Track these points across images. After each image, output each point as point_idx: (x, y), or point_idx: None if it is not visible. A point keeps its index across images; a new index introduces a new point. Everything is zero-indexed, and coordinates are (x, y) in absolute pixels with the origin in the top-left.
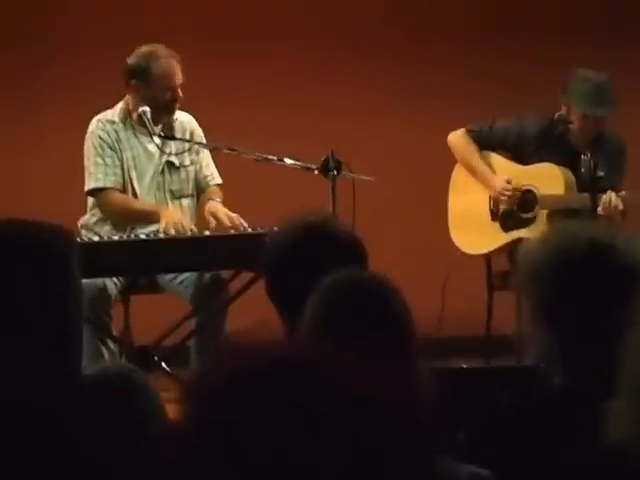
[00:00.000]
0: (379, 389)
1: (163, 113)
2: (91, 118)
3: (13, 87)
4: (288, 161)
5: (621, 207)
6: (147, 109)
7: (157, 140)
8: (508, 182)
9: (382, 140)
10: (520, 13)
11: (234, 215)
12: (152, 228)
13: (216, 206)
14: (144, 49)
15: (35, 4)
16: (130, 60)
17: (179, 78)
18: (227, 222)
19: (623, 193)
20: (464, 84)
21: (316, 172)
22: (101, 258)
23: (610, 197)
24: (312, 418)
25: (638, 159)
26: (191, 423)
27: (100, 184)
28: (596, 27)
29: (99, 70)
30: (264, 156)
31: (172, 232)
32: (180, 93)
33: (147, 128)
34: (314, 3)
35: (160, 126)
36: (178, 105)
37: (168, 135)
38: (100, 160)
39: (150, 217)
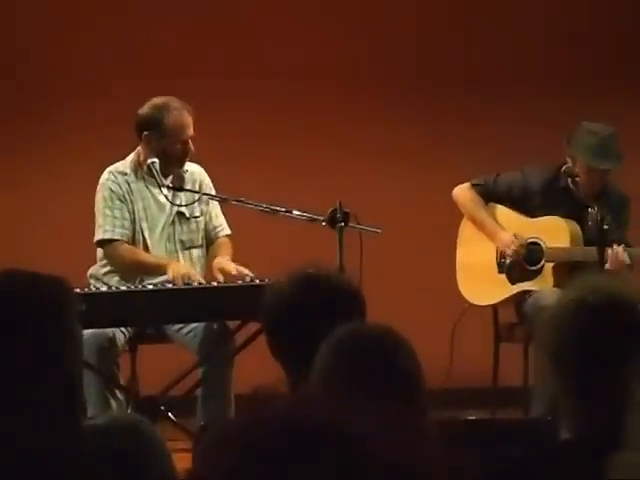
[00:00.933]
0: (393, 445)
1: (173, 165)
2: (102, 165)
3: (22, 131)
4: (295, 212)
5: (628, 261)
6: (156, 160)
7: (165, 191)
8: (515, 236)
9: (390, 191)
10: (525, 65)
11: (242, 269)
12: (161, 279)
13: (222, 262)
14: (157, 100)
15: (39, 44)
16: (142, 111)
17: (191, 131)
18: (234, 272)
19: (630, 249)
20: (473, 135)
21: (323, 224)
22: (109, 308)
23: (617, 251)
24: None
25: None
26: (211, 473)
27: (108, 236)
28: (600, 80)
29: (110, 116)
30: (271, 207)
31: (179, 283)
32: (191, 146)
33: (156, 179)
34: (321, 51)
35: (170, 177)
36: (188, 158)
37: (177, 186)
38: (109, 212)
39: (158, 269)
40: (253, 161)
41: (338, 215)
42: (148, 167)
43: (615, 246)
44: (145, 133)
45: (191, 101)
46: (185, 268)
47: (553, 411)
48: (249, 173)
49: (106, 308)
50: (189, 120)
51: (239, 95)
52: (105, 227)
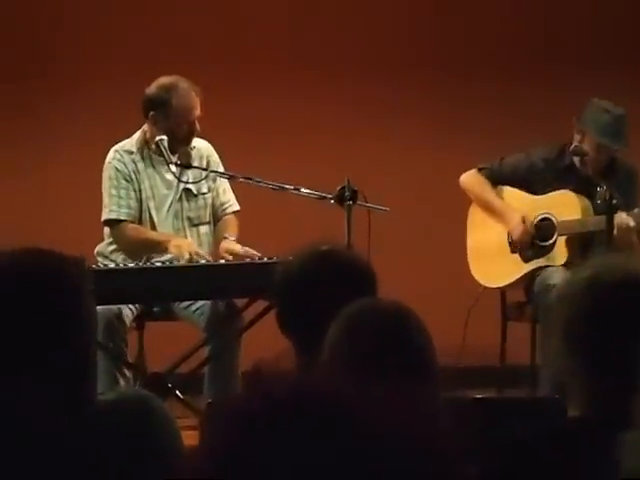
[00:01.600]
0: (404, 420)
1: (179, 144)
2: (108, 144)
3: (29, 114)
4: (304, 190)
5: (632, 224)
6: (164, 138)
7: (174, 169)
8: (523, 220)
9: (399, 170)
10: (536, 46)
11: (251, 250)
12: (169, 256)
13: (229, 244)
14: (164, 80)
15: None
16: (149, 91)
17: (198, 111)
18: (241, 252)
19: (636, 211)
20: (483, 115)
21: (332, 201)
22: (117, 285)
23: (621, 216)
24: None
25: None
26: (216, 449)
27: (113, 216)
28: (608, 69)
29: (117, 98)
30: (280, 185)
31: (183, 259)
32: (197, 126)
33: (164, 157)
34: (332, 33)
35: (177, 155)
36: (194, 137)
37: (185, 163)
38: (115, 192)
39: (160, 246)
40: (262, 139)
41: (347, 193)
42: (156, 144)
43: (620, 212)
44: (152, 113)
45: (201, 81)
46: (187, 244)
47: (561, 390)
48: (258, 151)
49: (114, 285)
50: (196, 101)
51: (250, 77)
52: (111, 207)
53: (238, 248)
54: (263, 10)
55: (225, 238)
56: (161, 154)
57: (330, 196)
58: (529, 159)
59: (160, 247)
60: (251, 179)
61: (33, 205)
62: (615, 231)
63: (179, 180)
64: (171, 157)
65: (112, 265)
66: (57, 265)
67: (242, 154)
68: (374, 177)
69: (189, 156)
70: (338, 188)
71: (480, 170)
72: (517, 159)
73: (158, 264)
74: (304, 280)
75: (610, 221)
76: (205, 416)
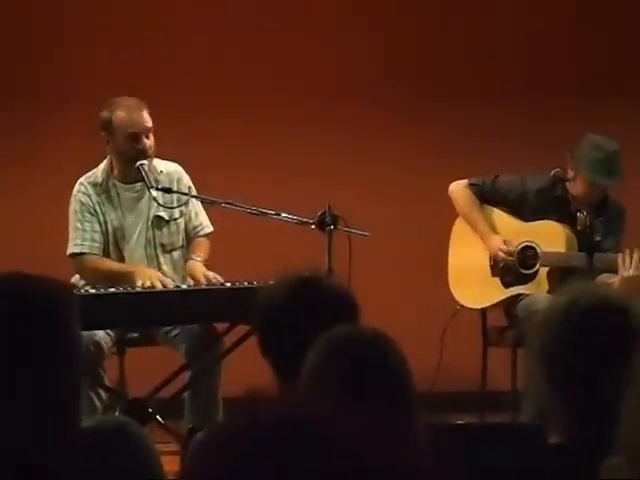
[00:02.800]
0: (380, 447)
1: (130, 163)
2: (85, 171)
3: (12, 137)
4: (285, 215)
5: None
6: (145, 162)
7: (155, 193)
8: (505, 243)
9: (380, 195)
10: (520, 71)
11: (211, 274)
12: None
13: (194, 265)
14: (110, 100)
15: (35, 52)
16: (101, 113)
17: (142, 125)
18: (204, 281)
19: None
20: (464, 139)
21: (313, 226)
22: (95, 311)
23: (636, 256)
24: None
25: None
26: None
27: (77, 250)
28: (591, 95)
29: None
30: (261, 210)
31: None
32: (147, 144)
33: (145, 181)
34: (316, 56)
35: (152, 178)
36: (149, 154)
37: (160, 187)
38: (79, 225)
39: (126, 277)
40: (244, 163)
41: (327, 218)
42: (137, 169)
43: (627, 251)
44: (103, 134)
45: (182, 103)
46: (153, 273)
47: (542, 416)
48: (239, 175)
49: (92, 311)
50: (138, 116)
51: (230, 98)
52: (75, 241)
53: (200, 272)
54: (242, 31)
55: (191, 259)
56: (131, 181)
57: (311, 221)
58: (523, 186)
59: (126, 278)
60: (231, 204)
61: (10, 232)
62: (621, 271)
63: (160, 205)
64: (152, 182)
65: (91, 290)
66: (49, 289)
67: (223, 178)
68: (355, 202)
69: (139, 174)
70: (319, 213)
71: (471, 185)
72: (511, 182)
73: (138, 289)
74: (286, 306)
75: (590, 250)
76: (186, 442)
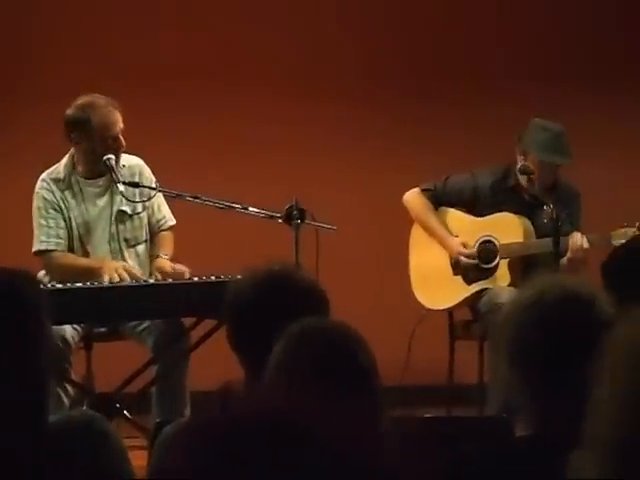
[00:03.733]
0: (347, 440)
1: (100, 159)
2: (46, 168)
3: None
4: (252, 209)
5: (586, 245)
6: (112, 157)
7: (122, 187)
8: (463, 245)
9: (347, 189)
10: (494, 66)
11: (177, 265)
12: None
13: (162, 262)
14: (81, 100)
15: (11, 48)
16: (68, 113)
17: (119, 126)
18: (171, 271)
19: (588, 235)
20: (433, 134)
21: (280, 220)
22: (61, 305)
23: (576, 237)
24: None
25: (589, 209)
26: (171, 475)
27: (43, 247)
28: (552, 84)
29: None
30: (228, 204)
31: (117, 280)
32: (122, 141)
33: (113, 176)
34: (279, 49)
35: (104, 177)
36: (121, 152)
37: (130, 182)
38: (44, 222)
39: (93, 272)
40: (210, 158)
41: (295, 212)
42: (104, 163)
43: (574, 233)
44: (73, 134)
45: (148, 98)
46: (120, 265)
47: (508, 409)
48: (206, 169)
49: (59, 305)
50: (116, 116)
51: (196, 93)
52: (40, 238)
53: (168, 266)
54: (209, 27)
55: (158, 256)
56: (94, 175)
57: (278, 215)
58: (474, 181)
59: (93, 273)
60: (198, 198)
61: None
62: (569, 252)
63: (128, 200)
64: (119, 176)
65: (58, 285)
66: (17, 282)
67: (189, 172)
68: (322, 196)
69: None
70: (286, 207)
71: (423, 191)
72: (462, 180)
73: (105, 283)
74: (255, 300)
75: (557, 242)
76: (153, 437)
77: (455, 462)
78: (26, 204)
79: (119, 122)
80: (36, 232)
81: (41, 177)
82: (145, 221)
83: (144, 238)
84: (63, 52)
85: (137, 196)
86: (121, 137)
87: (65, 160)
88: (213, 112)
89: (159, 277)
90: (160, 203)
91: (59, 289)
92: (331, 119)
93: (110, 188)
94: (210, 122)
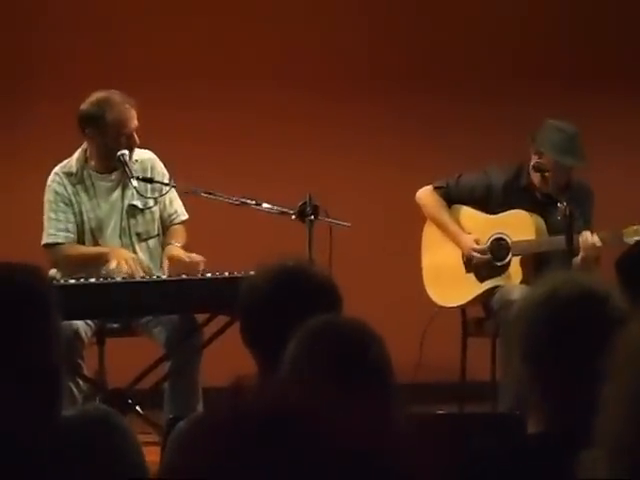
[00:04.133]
0: (362, 435)
1: (114, 155)
2: (55, 164)
3: None
4: (265, 205)
5: (598, 243)
6: (126, 152)
7: (135, 183)
8: (476, 242)
9: (361, 185)
10: (504, 66)
11: (193, 254)
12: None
13: (172, 249)
14: (97, 95)
15: (16, 47)
16: (83, 108)
17: (134, 124)
18: (186, 259)
19: (600, 233)
20: (447, 131)
21: (293, 217)
22: (74, 301)
23: (587, 235)
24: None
25: (600, 207)
26: (186, 470)
27: (52, 240)
28: (563, 77)
29: (61, 116)
30: (242, 200)
31: (123, 271)
32: (136, 138)
33: (126, 171)
34: (292, 46)
35: (117, 172)
36: (134, 149)
37: (143, 178)
38: (54, 215)
39: (100, 259)
40: (224, 154)
41: (308, 208)
42: (118, 159)
43: (584, 232)
44: (87, 129)
45: (163, 94)
46: (128, 255)
47: (521, 406)
48: (220, 166)
49: (72, 301)
50: (131, 113)
51: (212, 89)
52: (49, 231)
53: (181, 254)
54: (224, 22)
55: (170, 244)
56: (106, 170)
57: (291, 211)
58: (487, 179)
59: (101, 259)
60: (212, 194)
61: None
62: (582, 250)
63: (141, 195)
64: (132, 171)
65: (71, 281)
66: (24, 276)
67: (203, 168)
68: (336, 192)
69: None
70: (299, 203)
71: (436, 189)
72: (475, 179)
73: (119, 279)
74: (269, 296)
75: (570, 240)
76: (166, 433)
77: (467, 459)
78: (31, 201)
79: (134, 119)
80: (46, 225)
81: (54, 171)
82: (157, 215)
83: (156, 232)
84: (68, 50)
85: (149, 192)
86: (135, 135)
87: (77, 154)
88: (228, 109)
89: (167, 266)
90: (172, 198)
91: (71, 285)
92: (346, 116)
93: (122, 182)
94: (225, 119)
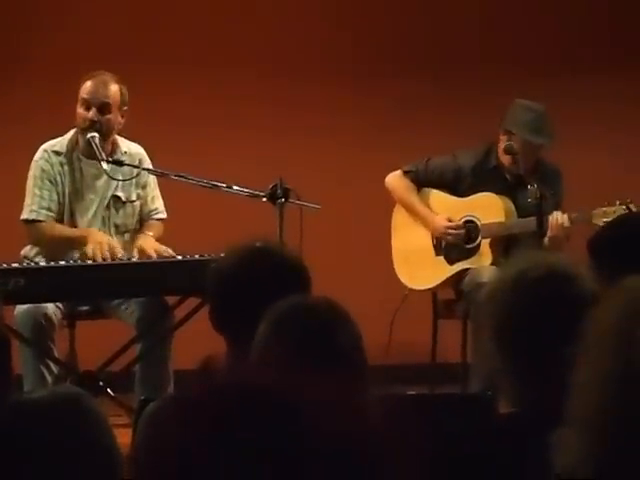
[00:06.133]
0: (332, 416)
1: (84, 135)
2: (35, 144)
3: None
4: (236, 188)
5: (567, 224)
6: (95, 135)
7: (105, 166)
8: (449, 220)
9: (331, 168)
10: (471, 46)
11: (162, 248)
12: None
13: (145, 238)
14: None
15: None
16: None
17: (93, 96)
18: (153, 254)
19: (574, 214)
20: (415, 114)
21: (264, 199)
22: (44, 284)
23: (557, 216)
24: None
25: (570, 189)
26: (157, 448)
27: (33, 216)
28: (531, 59)
29: (42, 99)
30: (212, 183)
31: (99, 255)
32: (95, 114)
33: (96, 154)
34: (264, 29)
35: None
36: (97, 127)
37: (113, 160)
38: (38, 191)
39: (78, 241)
40: (194, 137)
41: (279, 191)
42: (87, 141)
43: (555, 212)
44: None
45: (132, 77)
46: (105, 238)
47: (491, 387)
48: (189, 149)
49: (43, 283)
50: (99, 86)
51: (181, 72)
52: (32, 207)
53: (151, 246)
54: (196, 6)
55: (143, 233)
56: (91, 153)
57: (262, 194)
58: (456, 162)
59: (79, 240)
60: (183, 177)
61: None
62: (550, 231)
63: (111, 178)
64: (102, 154)
65: (42, 263)
66: None
67: (173, 152)
68: (306, 175)
69: (90, 148)
70: (270, 186)
71: (405, 173)
72: (444, 162)
73: (89, 262)
74: (238, 277)
75: (540, 222)
76: (137, 415)
77: (438, 439)
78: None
79: (97, 93)
80: (28, 201)
81: (42, 147)
82: (137, 210)
83: (134, 227)
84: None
85: (133, 186)
86: (95, 110)
87: (69, 134)
88: (198, 93)
89: (135, 254)
90: (155, 195)
91: (41, 267)
92: (316, 100)
93: (110, 164)
94: (195, 102)
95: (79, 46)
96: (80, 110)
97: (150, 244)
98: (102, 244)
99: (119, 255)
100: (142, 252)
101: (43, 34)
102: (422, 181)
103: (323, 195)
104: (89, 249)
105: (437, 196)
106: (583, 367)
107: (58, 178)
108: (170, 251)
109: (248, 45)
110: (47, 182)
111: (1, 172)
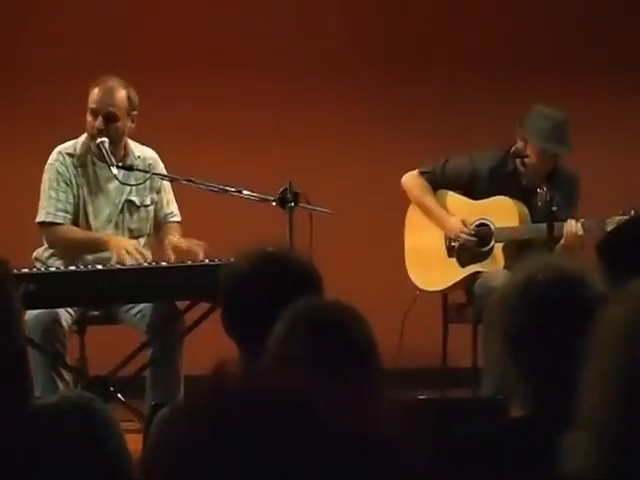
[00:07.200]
0: (350, 417)
1: (93, 141)
2: (47, 148)
3: None
4: (246, 192)
5: (581, 232)
6: (105, 140)
7: (115, 171)
8: (463, 223)
9: (342, 172)
10: (481, 49)
11: (194, 241)
12: (103, 255)
13: (173, 240)
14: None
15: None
16: None
17: (100, 105)
18: (184, 246)
19: (582, 220)
20: (427, 116)
21: (274, 204)
22: (55, 288)
23: (571, 224)
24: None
25: (586, 194)
26: (168, 454)
27: (50, 219)
28: (553, 69)
29: (53, 102)
30: (222, 187)
31: (126, 261)
32: (101, 122)
33: (105, 159)
34: (270, 32)
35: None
36: (105, 134)
37: (124, 165)
38: (54, 194)
39: (98, 245)
40: (204, 141)
41: (288, 195)
42: (97, 146)
43: (569, 220)
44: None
45: (142, 83)
46: (128, 242)
47: (502, 391)
48: (199, 154)
49: (54, 288)
50: (106, 94)
51: (190, 77)
52: (48, 209)
53: (182, 242)
54: (202, 10)
55: (171, 235)
56: (102, 157)
57: (272, 198)
58: (473, 165)
59: (99, 245)
60: (193, 181)
61: None
62: (564, 239)
63: (122, 183)
64: (112, 159)
65: (52, 268)
66: None
67: (183, 157)
68: (316, 179)
69: (101, 153)
70: (280, 190)
71: (422, 174)
72: (461, 164)
73: (99, 267)
74: (249, 281)
75: (550, 225)
76: (148, 421)
77: (449, 443)
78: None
79: (104, 102)
80: (43, 203)
81: (57, 149)
82: (152, 215)
83: (147, 231)
84: (61, 36)
85: (147, 190)
86: (101, 118)
87: (83, 137)
88: (208, 98)
89: (171, 254)
90: (170, 199)
91: (52, 272)
92: (328, 102)
93: (123, 176)
94: (205, 108)
95: (87, 50)
96: (88, 118)
97: (182, 242)
98: (126, 248)
99: (149, 258)
100: (177, 250)
101: (53, 39)
102: (438, 182)
103: (333, 199)
104: (114, 258)
105: (452, 198)
106: (592, 371)
107: (73, 180)
108: (199, 243)
109: (258, 47)
110: (63, 184)
111: (10, 176)
